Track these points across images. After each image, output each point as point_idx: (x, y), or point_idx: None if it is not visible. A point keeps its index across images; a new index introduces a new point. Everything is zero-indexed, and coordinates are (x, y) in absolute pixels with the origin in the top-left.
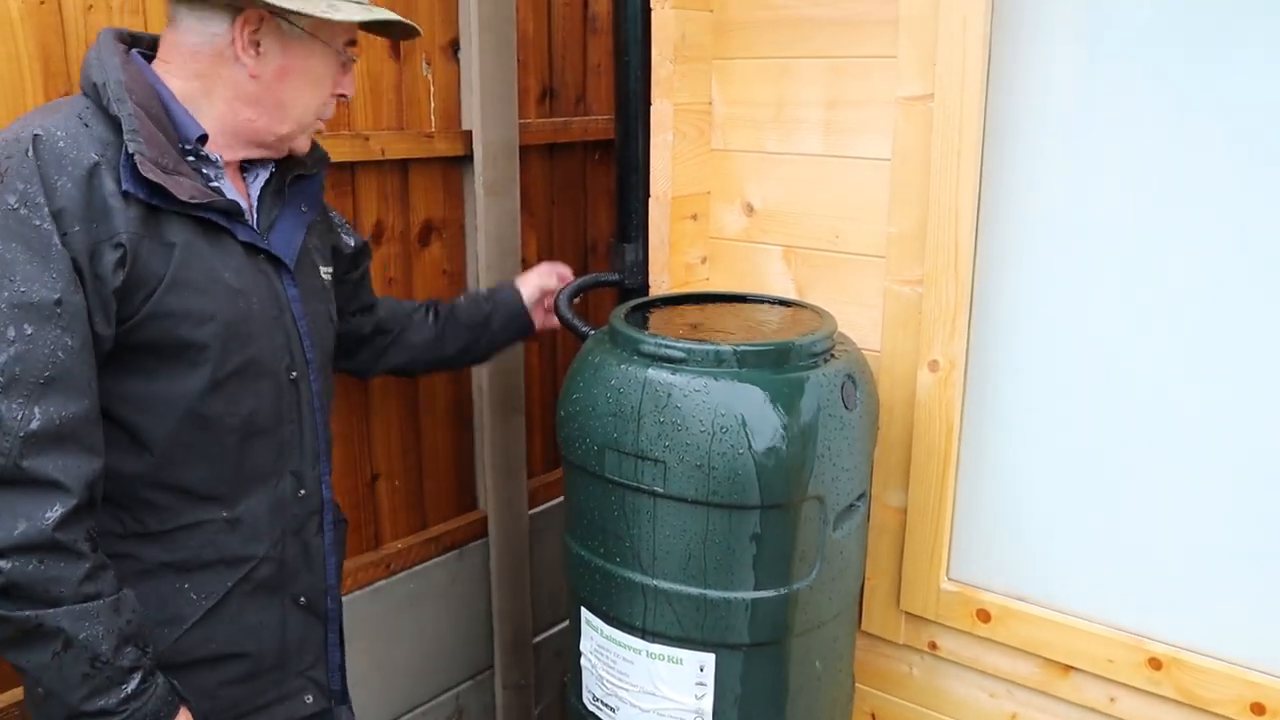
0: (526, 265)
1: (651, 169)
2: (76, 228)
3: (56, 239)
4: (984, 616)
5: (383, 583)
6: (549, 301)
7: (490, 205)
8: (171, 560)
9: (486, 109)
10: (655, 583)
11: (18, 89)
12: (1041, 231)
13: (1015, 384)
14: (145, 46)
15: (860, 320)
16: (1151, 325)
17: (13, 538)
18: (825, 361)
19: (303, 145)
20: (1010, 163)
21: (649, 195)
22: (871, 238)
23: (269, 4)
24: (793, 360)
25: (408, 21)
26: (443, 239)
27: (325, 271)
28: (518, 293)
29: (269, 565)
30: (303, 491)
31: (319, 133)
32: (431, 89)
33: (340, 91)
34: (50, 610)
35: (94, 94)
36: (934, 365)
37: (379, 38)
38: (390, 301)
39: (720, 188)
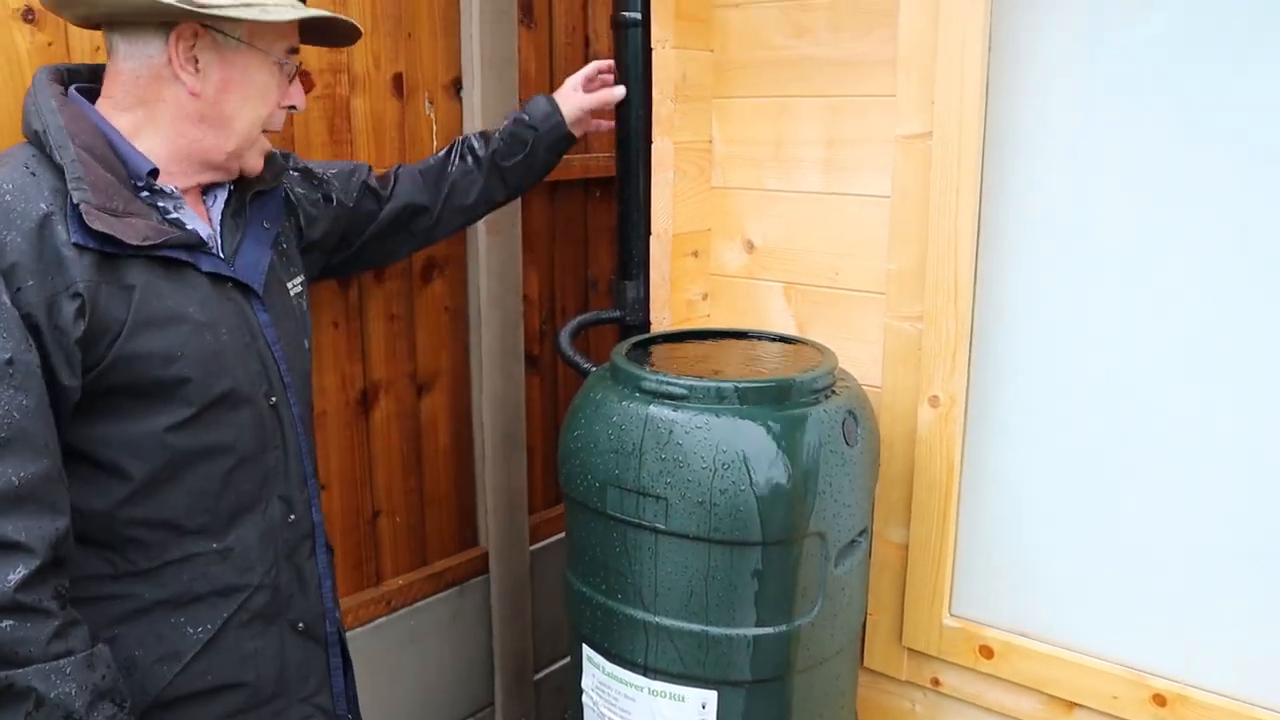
0: (528, 302)
1: (652, 206)
2: (30, 282)
3: (6, 297)
4: (987, 653)
5: (383, 619)
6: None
7: (492, 243)
8: (165, 597)
9: None
10: (657, 619)
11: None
12: (1041, 267)
13: (1016, 419)
14: (85, 79)
15: (861, 356)
16: (1154, 361)
17: None
18: (826, 398)
19: (254, 163)
20: (1009, 199)
21: (650, 232)
22: (871, 274)
23: (200, 12)
24: (794, 397)
25: (346, 19)
26: (445, 276)
27: (295, 285)
28: (558, 114)
29: (263, 593)
30: (292, 516)
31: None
32: (434, 128)
33: (288, 103)
34: (20, 670)
35: (36, 141)
36: (934, 401)
37: (373, 74)
38: (409, 177)
39: (721, 225)
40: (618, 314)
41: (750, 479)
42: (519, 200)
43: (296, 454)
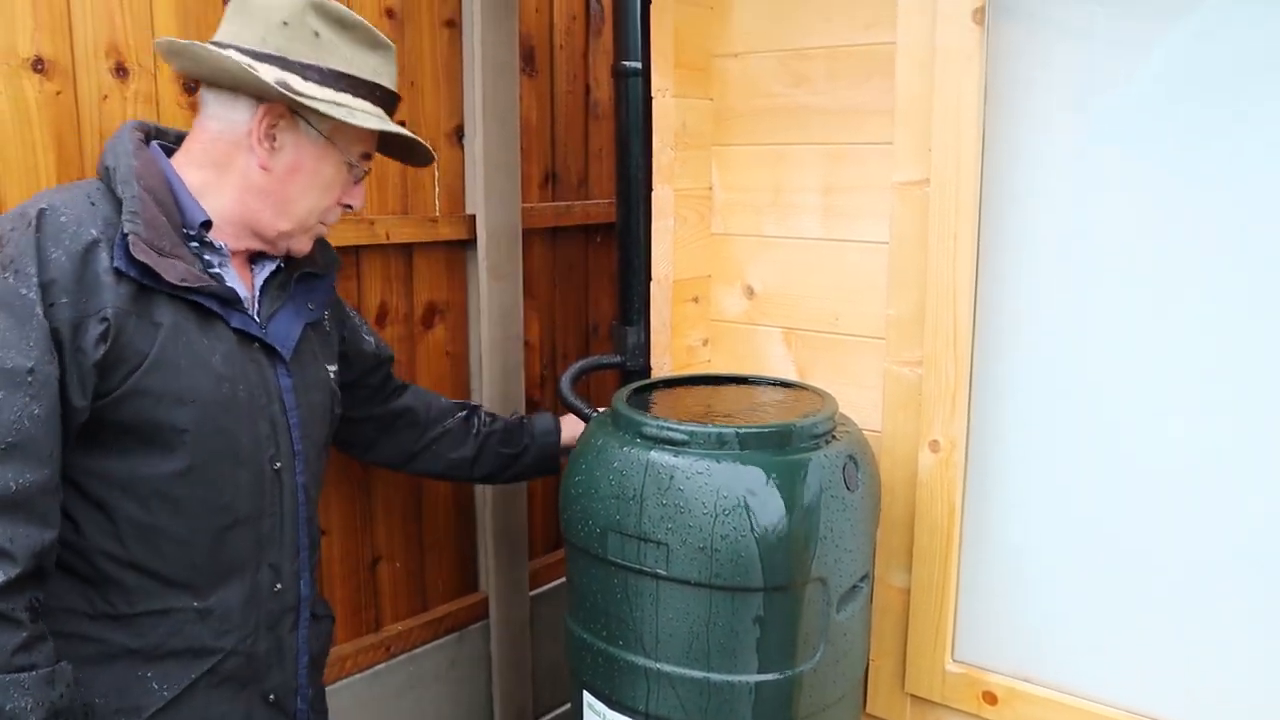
0: (529, 347)
1: (653, 253)
2: (64, 299)
3: (39, 309)
4: (990, 699)
5: (382, 666)
6: None
7: (493, 288)
8: (137, 646)
9: (490, 194)
10: (658, 666)
11: (32, 175)
12: (1040, 312)
13: (1017, 463)
14: (170, 141)
15: (861, 401)
16: (1154, 402)
17: None
18: (827, 443)
19: (302, 246)
20: (1006, 244)
21: (650, 279)
22: (871, 320)
23: (292, 99)
24: (794, 442)
25: (424, 145)
26: (446, 321)
27: (330, 369)
28: (556, 435)
29: (238, 659)
30: (279, 586)
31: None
32: (436, 174)
33: (347, 202)
34: None
35: (106, 177)
36: (935, 445)
37: None
38: (422, 395)
39: (721, 271)
40: (618, 359)
41: (751, 524)
42: (520, 245)
43: (294, 523)
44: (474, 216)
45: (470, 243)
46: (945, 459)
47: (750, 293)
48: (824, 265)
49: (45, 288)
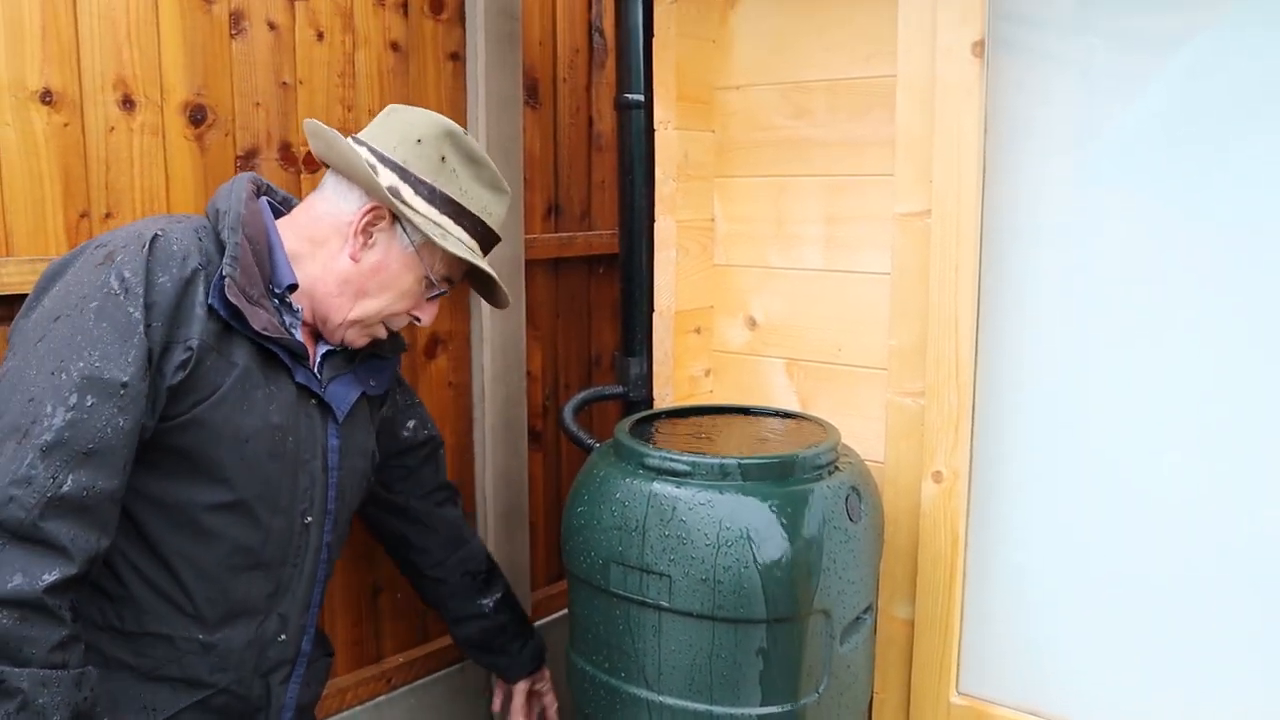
0: (531, 378)
1: (655, 284)
2: (160, 323)
3: (142, 329)
4: None
5: (383, 698)
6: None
7: (496, 319)
8: (135, 664)
9: None
10: (660, 699)
11: (39, 206)
12: (1042, 341)
13: (1020, 493)
14: (277, 200)
15: (863, 432)
16: (1155, 430)
17: (5, 590)
18: (829, 474)
19: (356, 339)
20: (1008, 275)
21: (653, 310)
22: (873, 350)
23: (395, 205)
24: (797, 473)
25: (504, 291)
26: (449, 351)
27: (372, 442)
28: (525, 671)
29: (228, 697)
30: (283, 636)
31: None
32: None
33: (418, 314)
34: (16, 670)
35: (214, 219)
36: (938, 476)
37: None
38: (453, 516)
39: (723, 302)
40: (621, 390)
41: (754, 556)
42: (523, 275)
43: (310, 578)
44: None
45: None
46: (948, 489)
47: (752, 324)
48: (826, 296)
49: (149, 309)
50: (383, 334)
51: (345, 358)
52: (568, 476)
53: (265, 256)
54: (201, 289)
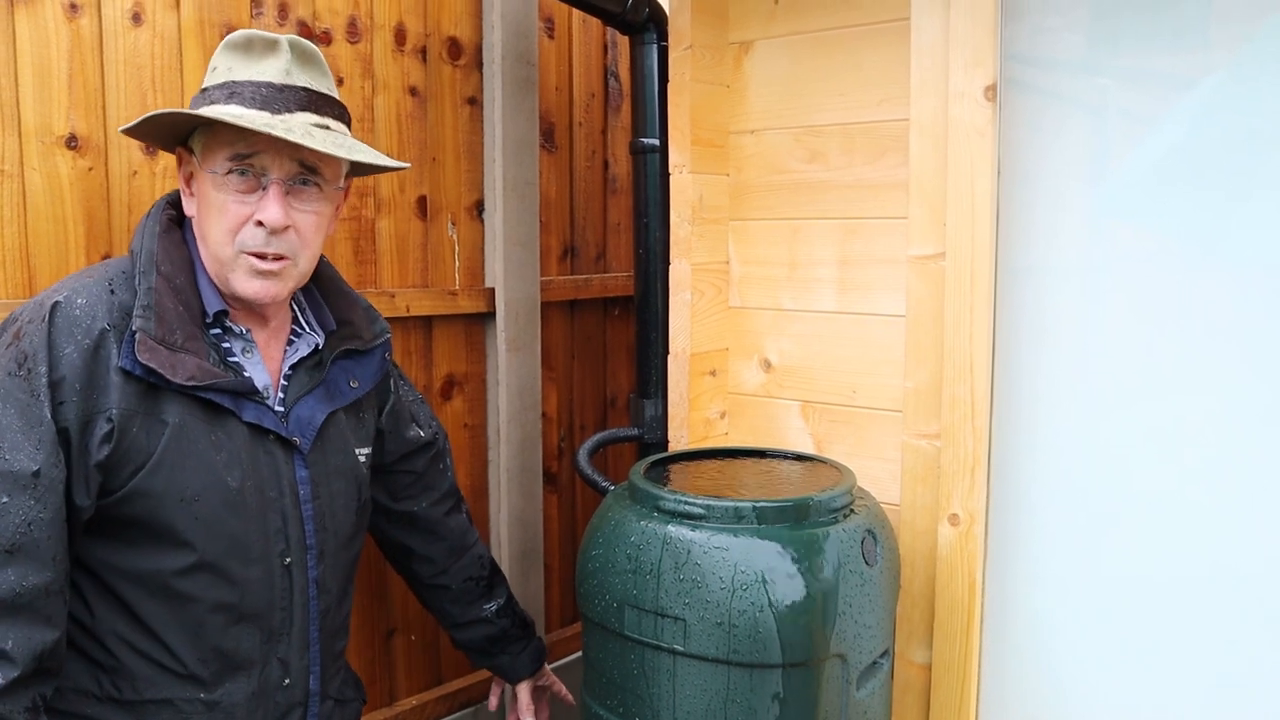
0: (547, 420)
1: (671, 326)
2: (73, 398)
3: (48, 410)
4: None
5: None
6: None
7: (512, 360)
8: None
9: (509, 268)
10: None
11: (62, 250)
12: (1057, 384)
13: (1038, 536)
14: None
15: (879, 474)
16: (1174, 473)
17: None
18: (845, 517)
19: (244, 285)
20: (1023, 315)
21: (668, 352)
22: (888, 392)
23: (134, 123)
24: (812, 516)
25: (303, 142)
26: (464, 393)
27: (361, 453)
28: (529, 670)
29: None
30: (287, 680)
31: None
32: (456, 248)
33: (258, 218)
34: None
35: (132, 260)
36: (954, 519)
37: (398, 197)
38: (459, 524)
39: (738, 344)
40: (636, 432)
41: (769, 600)
42: (539, 317)
43: (304, 618)
44: (493, 289)
45: (489, 315)
46: (965, 533)
47: (768, 366)
48: (841, 338)
49: (55, 386)
50: (259, 264)
51: (316, 363)
52: (583, 518)
53: (190, 289)
54: (114, 351)
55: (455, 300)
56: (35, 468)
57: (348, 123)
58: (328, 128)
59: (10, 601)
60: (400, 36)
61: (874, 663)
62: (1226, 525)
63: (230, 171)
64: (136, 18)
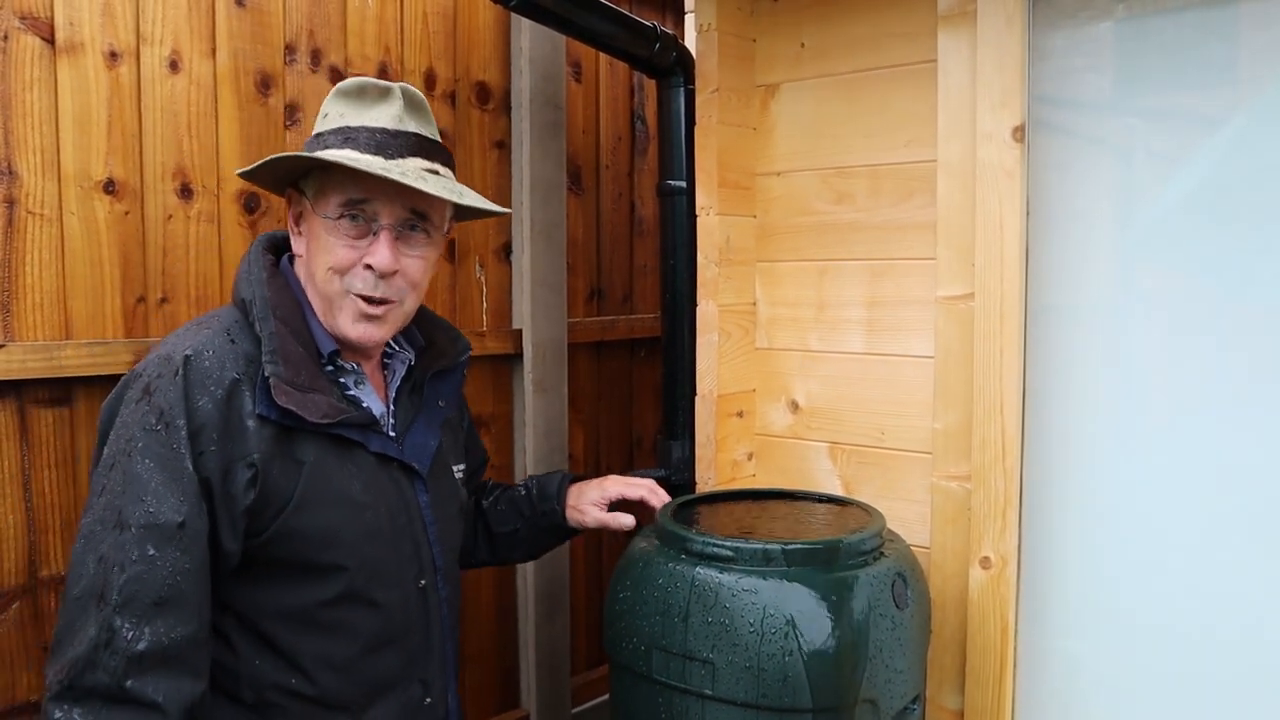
0: (573, 461)
1: (698, 368)
2: (213, 448)
3: (189, 461)
4: None
5: None
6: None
7: (538, 401)
8: None
9: (536, 310)
10: None
11: (98, 292)
12: (1089, 421)
13: (1073, 579)
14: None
15: (909, 516)
16: (1210, 513)
17: None
18: (875, 560)
19: (349, 329)
20: (1053, 356)
21: (695, 393)
22: (918, 434)
23: (247, 169)
24: (842, 559)
25: (407, 181)
26: (491, 434)
27: (458, 469)
28: (558, 504)
29: None
30: (429, 699)
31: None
32: (484, 290)
33: (366, 261)
34: None
35: (243, 308)
36: (986, 562)
37: None
38: (485, 522)
39: (765, 385)
40: (663, 473)
41: (799, 644)
42: (565, 358)
43: (440, 636)
44: (520, 331)
45: (516, 356)
46: (997, 576)
47: (795, 407)
48: (869, 379)
49: (194, 437)
50: (365, 308)
51: (414, 387)
52: (609, 561)
53: (303, 329)
54: (247, 399)
55: (483, 341)
56: (180, 519)
57: (453, 167)
58: (437, 172)
59: (160, 653)
60: (430, 81)
61: (905, 708)
62: (1266, 570)
63: (342, 216)
64: (174, 65)
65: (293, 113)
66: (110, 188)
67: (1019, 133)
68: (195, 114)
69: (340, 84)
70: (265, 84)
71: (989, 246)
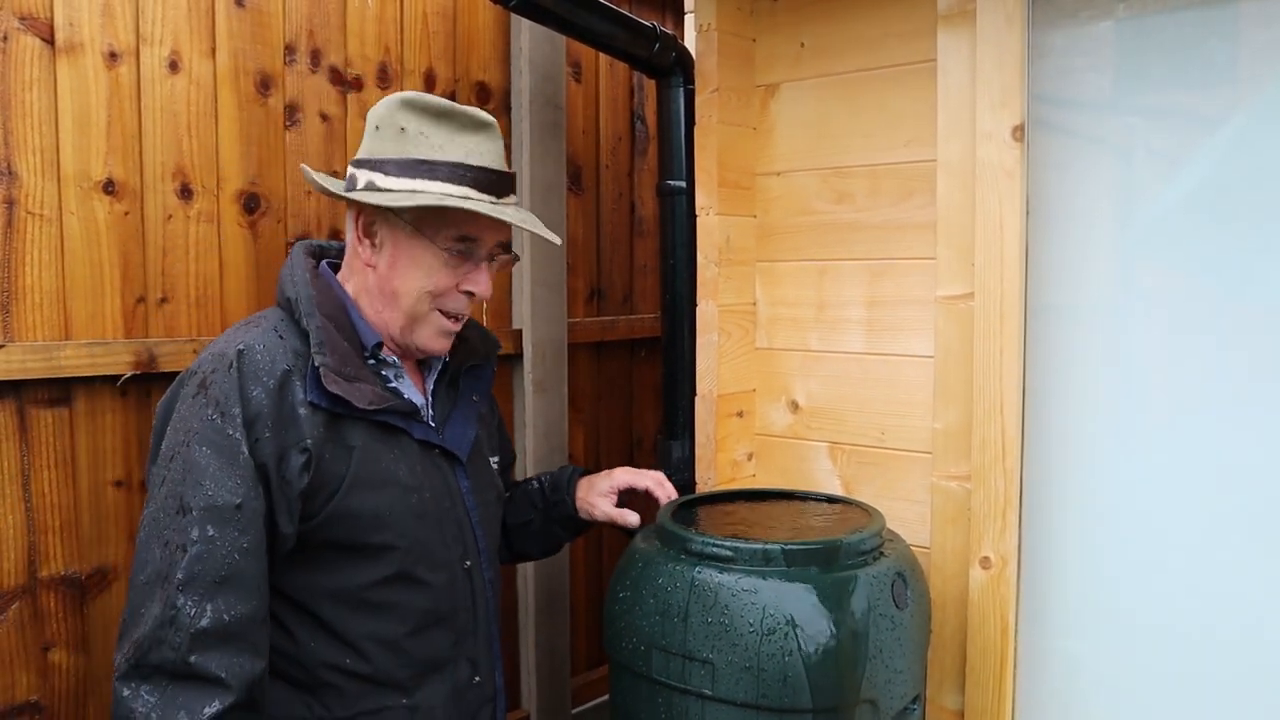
0: (574, 460)
1: (697, 368)
2: (267, 434)
3: (245, 447)
4: None
5: None
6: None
7: (538, 401)
8: None
9: (536, 310)
10: None
11: (98, 292)
12: (1089, 421)
13: (1073, 579)
14: (333, 255)
15: (909, 516)
16: (1211, 512)
17: None
18: (874, 560)
19: (428, 342)
20: (1053, 355)
21: (695, 393)
22: (917, 433)
23: (369, 196)
24: (842, 559)
25: (506, 219)
26: None
27: (494, 461)
28: (568, 495)
29: None
30: (477, 678)
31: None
32: None
33: (467, 288)
34: None
35: (288, 307)
36: (986, 562)
37: None
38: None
39: (765, 385)
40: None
41: (798, 644)
42: (565, 359)
43: (486, 616)
44: (520, 331)
45: (516, 357)
46: (997, 576)
47: (795, 407)
48: (869, 379)
49: (249, 425)
50: (449, 325)
51: (450, 381)
52: (608, 561)
53: (349, 326)
54: (299, 388)
55: None
56: (238, 501)
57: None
58: (519, 205)
59: (222, 630)
60: (430, 81)
61: (905, 708)
62: (1266, 570)
63: (454, 249)
64: (174, 65)
65: (292, 113)
66: (110, 188)
67: (1019, 132)
68: (195, 114)
69: (414, 97)
70: (265, 84)
71: (989, 246)
